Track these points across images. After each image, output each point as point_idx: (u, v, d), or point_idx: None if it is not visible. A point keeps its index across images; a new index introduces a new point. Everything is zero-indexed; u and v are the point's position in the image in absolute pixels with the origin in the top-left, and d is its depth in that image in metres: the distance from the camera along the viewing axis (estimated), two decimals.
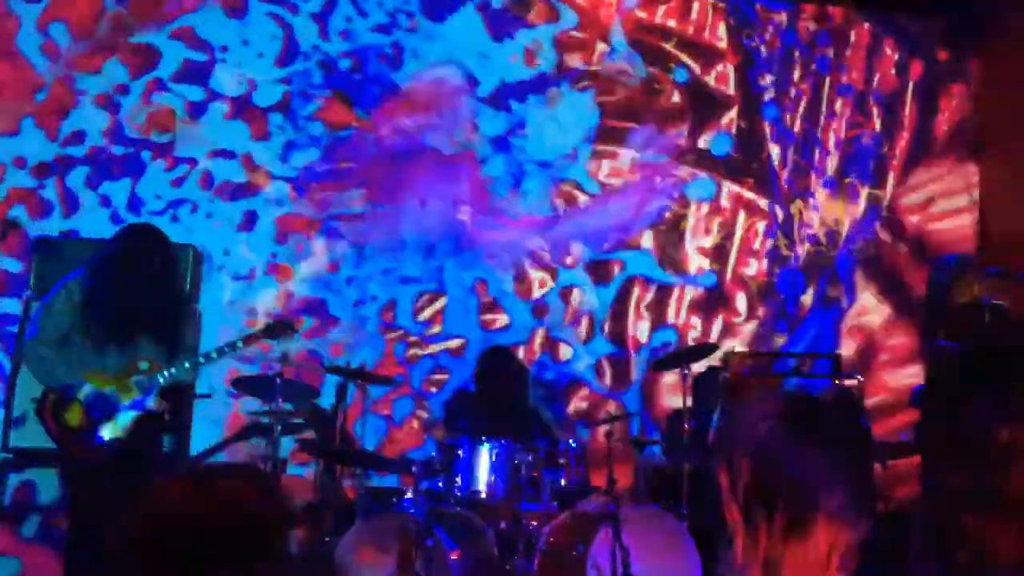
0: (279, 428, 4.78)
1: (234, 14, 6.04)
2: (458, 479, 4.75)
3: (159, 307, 4.09)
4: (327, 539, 4.60)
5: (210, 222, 5.87)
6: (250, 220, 5.95)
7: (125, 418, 3.98)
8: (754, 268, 6.55)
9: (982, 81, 6.77)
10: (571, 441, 4.96)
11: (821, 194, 6.67)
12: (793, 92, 6.71)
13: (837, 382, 5.16)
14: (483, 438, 4.78)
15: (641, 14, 6.59)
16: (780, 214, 6.60)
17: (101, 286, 4.00)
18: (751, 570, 1.43)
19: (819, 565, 1.41)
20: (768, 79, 6.68)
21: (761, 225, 6.58)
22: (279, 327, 4.41)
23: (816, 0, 6.74)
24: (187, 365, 4.09)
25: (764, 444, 1.46)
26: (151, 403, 4.01)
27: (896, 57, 6.81)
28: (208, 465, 4.53)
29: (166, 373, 4.03)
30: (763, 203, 6.60)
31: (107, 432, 3.96)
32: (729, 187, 6.58)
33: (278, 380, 4.84)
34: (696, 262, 6.49)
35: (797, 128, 6.69)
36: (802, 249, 6.59)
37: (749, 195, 6.60)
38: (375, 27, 6.22)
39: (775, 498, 1.43)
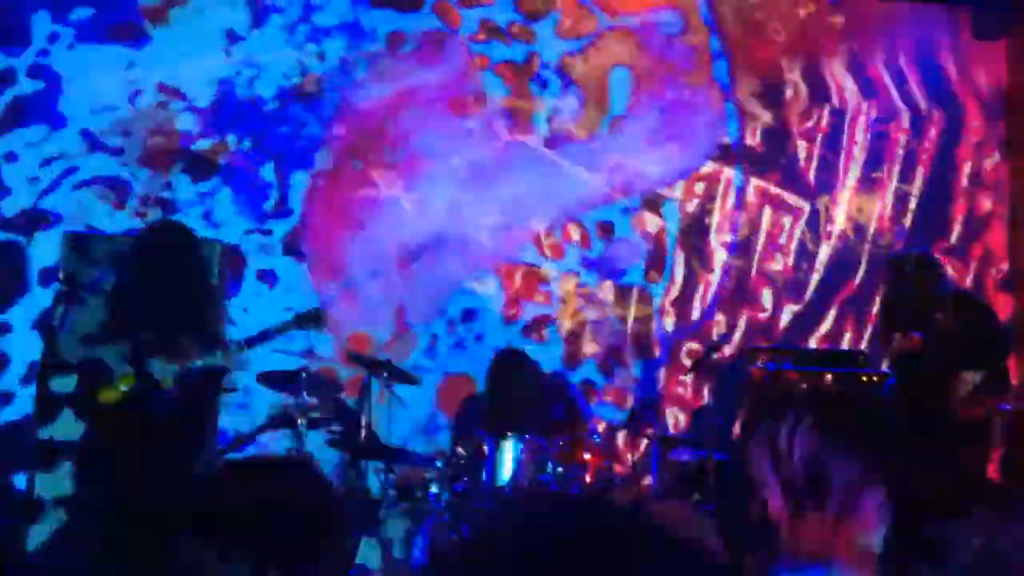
0: (304, 422, 4.82)
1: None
2: (483, 475, 4.75)
3: (189, 300, 4.13)
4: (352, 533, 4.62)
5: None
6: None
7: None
8: (780, 264, 6.51)
9: (1013, 74, 6.68)
10: (595, 436, 4.95)
11: (848, 189, 6.61)
12: (820, 86, 6.65)
13: (864, 378, 5.12)
14: (507, 434, 4.78)
15: None
16: (807, 209, 6.55)
17: (134, 280, 4.06)
18: (799, 556, 1.49)
19: (866, 549, 1.49)
20: (794, 74, 6.63)
21: (787, 220, 6.54)
22: (309, 317, 4.44)
23: None
24: (220, 356, 4.12)
25: (816, 445, 1.52)
26: (185, 392, 4.05)
27: (926, 48, 6.72)
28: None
29: (199, 364, 4.07)
30: (789, 198, 6.55)
31: (142, 422, 4.00)
32: (755, 182, 6.54)
33: (303, 374, 4.87)
34: (721, 257, 6.45)
35: (824, 122, 6.63)
36: (828, 245, 6.54)
37: (775, 190, 6.56)
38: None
39: (827, 491, 1.50)
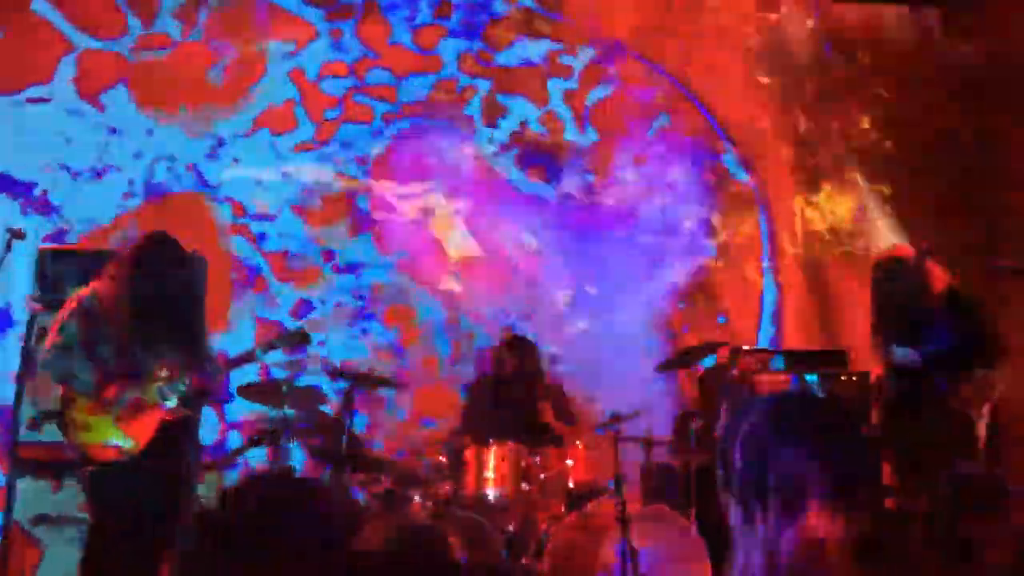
0: (286, 434, 4.81)
1: None
2: (466, 482, 4.75)
3: (178, 314, 4.09)
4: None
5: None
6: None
7: (146, 424, 3.99)
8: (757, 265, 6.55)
9: (986, 70, 6.73)
10: (577, 442, 4.96)
11: (824, 189, 6.65)
12: (795, 86, 6.69)
13: (843, 378, 5.15)
14: (490, 440, 4.79)
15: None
16: (782, 210, 6.59)
17: (121, 293, 4.01)
18: (754, 556, 1.51)
19: (816, 549, 1.50)
20: (768, 75, 6.67)
21: (763, 221, 6.57)
22: (294, 335, 4.42)
23: None
24: (206, 373, 4.09)
25: (751, 437, 1.56)
26: (171, 409, 4.02)
27: (899, 48, 6.77)
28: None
29: (187, 380, 4.03)
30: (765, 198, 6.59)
31: (128, 438, 3.97)
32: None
33: (284, 387, 4.86)
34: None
35: (800, 123, 6.67)
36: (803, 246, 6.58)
37: (750, 190, 6.60)
38: None
39: (766, 487, 1.52)
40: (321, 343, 6.07)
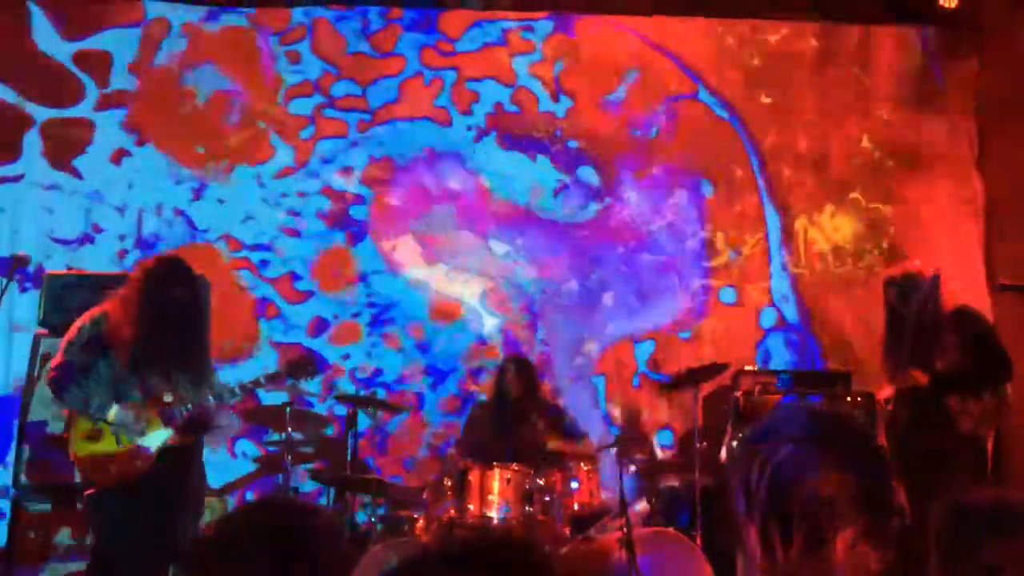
0: (290, 457, 4.81)
1: None
2: (470, 505, 4.73)
3: (183, 339, 4.09)
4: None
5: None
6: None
7: (148, 450, 3.99)
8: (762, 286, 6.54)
9: (985, 90, 6.74)
10: (582, 464, 4.94)
11: (827, 210, 6.64)
12: (796, 107, 6.71)
13: (849, 399, 5.13)
14: (493, 463, 4.77)
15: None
16: (786, 231, 6.59)
17: (126, 318, 4.00)
18: None
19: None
20: (769, 96, 6.69)
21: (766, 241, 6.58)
22: (300, 365, 4.42)
23: (818, 18, 6.75)
24: (211, 400, 4.08)
25: (780, 464, 1.48)
26: (173, 434, 4.01)
27: (899, 69, 6.78)
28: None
29: (189, 406, 4.02)
30: (768, 219, 6.59)
31: (130, 462, 3.96)
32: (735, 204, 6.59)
33: (288, 410, 4.86)
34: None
35: (802, 144, 6.68)
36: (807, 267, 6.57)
37: (754, 212, 6.60)
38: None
39: (791, 517, 1.44)
40: (345, 356, 6.11)
